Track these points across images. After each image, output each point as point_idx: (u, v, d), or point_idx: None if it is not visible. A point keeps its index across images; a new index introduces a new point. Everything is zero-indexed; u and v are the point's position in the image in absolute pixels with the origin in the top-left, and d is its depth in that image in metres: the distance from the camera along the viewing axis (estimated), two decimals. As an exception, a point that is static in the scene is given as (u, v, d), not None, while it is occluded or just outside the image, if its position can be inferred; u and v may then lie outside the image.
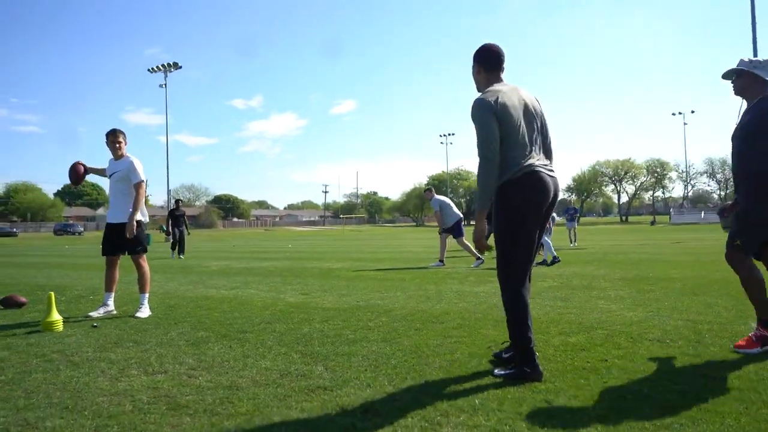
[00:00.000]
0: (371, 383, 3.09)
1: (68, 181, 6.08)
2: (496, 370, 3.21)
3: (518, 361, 3.12)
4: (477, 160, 3.10)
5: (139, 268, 5.71)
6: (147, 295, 5.72)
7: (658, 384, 2.94)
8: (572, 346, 3.88)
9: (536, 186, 3.08)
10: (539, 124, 3.26)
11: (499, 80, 3.28)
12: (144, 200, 5.82)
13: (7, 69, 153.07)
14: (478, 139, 3.09)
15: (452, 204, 11.58)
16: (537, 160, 3.14)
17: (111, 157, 5.87)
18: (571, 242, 19.35)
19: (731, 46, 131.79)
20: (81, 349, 4.10)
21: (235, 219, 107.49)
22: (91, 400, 2.91)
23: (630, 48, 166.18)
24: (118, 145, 5.76)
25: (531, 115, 3.20)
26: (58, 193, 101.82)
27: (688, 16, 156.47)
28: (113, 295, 5.77)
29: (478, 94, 3.22)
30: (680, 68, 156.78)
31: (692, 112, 74.40)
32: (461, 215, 11.60)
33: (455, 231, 11.33)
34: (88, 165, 6.00)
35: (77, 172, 5.87)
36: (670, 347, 3.76)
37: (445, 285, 7.77)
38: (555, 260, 10.74)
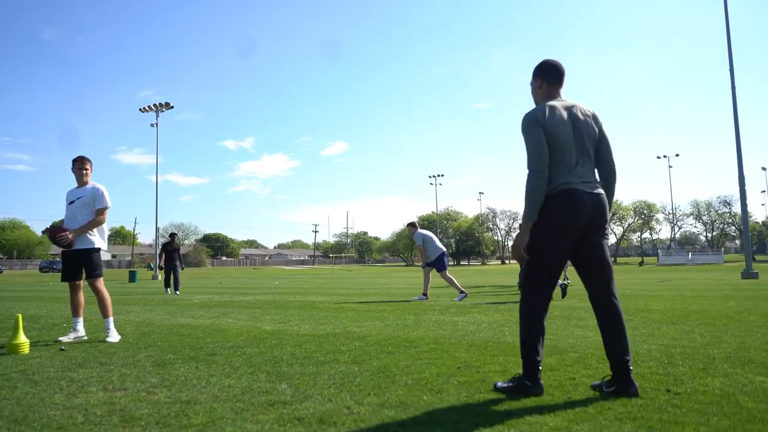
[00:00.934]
0: (333, 399, 3.03)
1: (55, 221, 5.98)
2: (497, 384, 3.18)
3: (520, 375, 3.08)
4: (525, 173, 3.07)
5: (97, 292, 5.64)
6: (111, 319, 5.63)
7: (623, 399, 2.91)
8: (543, 366, 3.83)
9: (571, 203, 3.03)
10: (593, 141, 3.20)
11: (557, 95, 3.27)
12: (105, 228, 5.80)
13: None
14: (527, 152, 3.07)
15: (435, 238, 11.57)
16: (580, 176, 3.09)
17: (74, 186, 5.80)
18: (565, 278, 19.09)
19: (712, 90, 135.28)
20: (43, 369, 4.01)
21: (224, 257, 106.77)
22: (43, 413, 2.83)
23: (614, 92, 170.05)
24: (84, 172, 5.75)
25: (582, 132, 3.14)
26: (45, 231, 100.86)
27: (669, 62, 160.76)
28: (81, 319, 5.67)
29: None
30: (664, 113, 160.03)
31: (677, 155, 74.94)
32: (444, 249, 11.57)
33: (438, 265, 11.30)
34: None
35: (53, 239, 5.57)
36: (640, 367, 3.74)
37: (425, 315, 7.71)
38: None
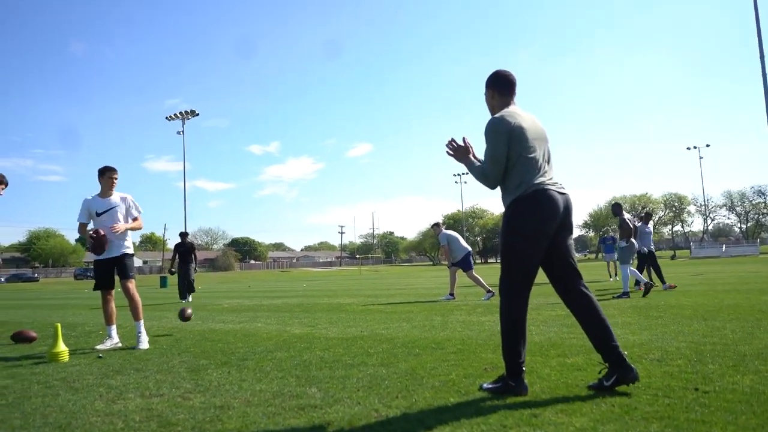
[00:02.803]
0: (361, 402, 3.10)
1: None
2: (484, 384, 3.27)
3: (505, 375, 3.15)
4: (485, 187, 3.31)
5: (131, 295, 5.83)
6: (143, 323, 5.81)
7: (648, 398, 2.92)
8: (569, 366, 3.85)
9: (545, 203, 3.14)
10: (548, 148, 3.39)
11: (512, 104, 3.39)
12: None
13: (31, 121, 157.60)
14: (486, 156, 3.24)
15: (460, 238, 11.56)
16: (548, 179, 3.24)
17: (96, 195, 5.90)
18: (610, 276, 17.72)
19: (741, 80, 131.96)
20: (83, 377, 4.16)
21: (252, 261, 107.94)
22: (85, 420, 2.95)
23: (642, 85, 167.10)
24: (115, 182, 5.94)
25: (542, 139, 3.33)
26: (79, 239, 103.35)
27: (698, 53, 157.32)
28: (115, 327, 5.85)
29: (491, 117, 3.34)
30: (693, 103, 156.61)
31: (707, 146, 73.18)
32: (469, 249, 11.57)
33: (464, 264, 11.31)
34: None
35: (101, 244, 5.69)
36: (668, 365, 3.73)
37: (451, 316, 7.74)
38: (626, 293, 9.93)
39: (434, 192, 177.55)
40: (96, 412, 3.11)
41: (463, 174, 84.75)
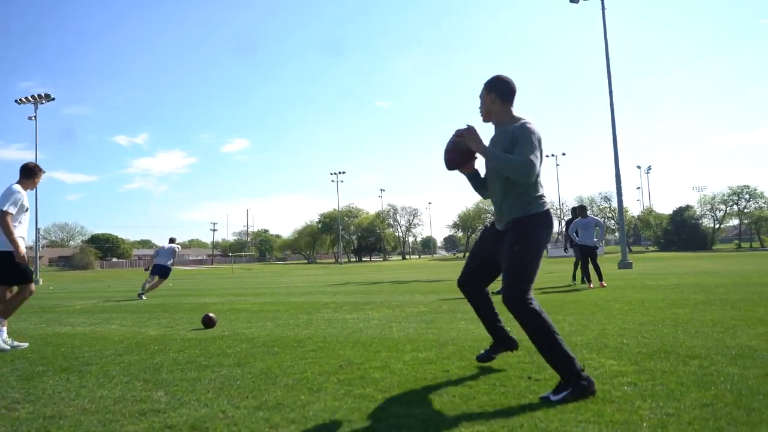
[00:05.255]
0: (209, 404, 3.01)
1: None
2: (552, 397, 2.81)
3: (568, 378, 2.86)
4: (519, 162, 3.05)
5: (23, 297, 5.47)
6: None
7: (487, 387, 3.12)
8: (421, 360, 4.02)
9: (552, 221, 3.26)
10: None
11: (511, 112, 3.29)
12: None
13: None
14: (528, 151, 3.04)
15: (167, 252, 13.89)
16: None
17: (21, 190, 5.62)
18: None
19: (592, 90, 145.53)
20: None
21: (115, 259, 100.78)
22: None
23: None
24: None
25: None
26: None
27: (555, 67, 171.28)
28: None
29: (512, 120, 3.24)
30: (552, 114, 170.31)
31: (563, 154, 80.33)
32: (167, 265, 13.87)
33: (160, 273, 13.79)
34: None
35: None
36: (509, 357, 4.00)
37: (318, 314, 7.76)
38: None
39: (310, 190, 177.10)
40: None
41: (339, 173, 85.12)
